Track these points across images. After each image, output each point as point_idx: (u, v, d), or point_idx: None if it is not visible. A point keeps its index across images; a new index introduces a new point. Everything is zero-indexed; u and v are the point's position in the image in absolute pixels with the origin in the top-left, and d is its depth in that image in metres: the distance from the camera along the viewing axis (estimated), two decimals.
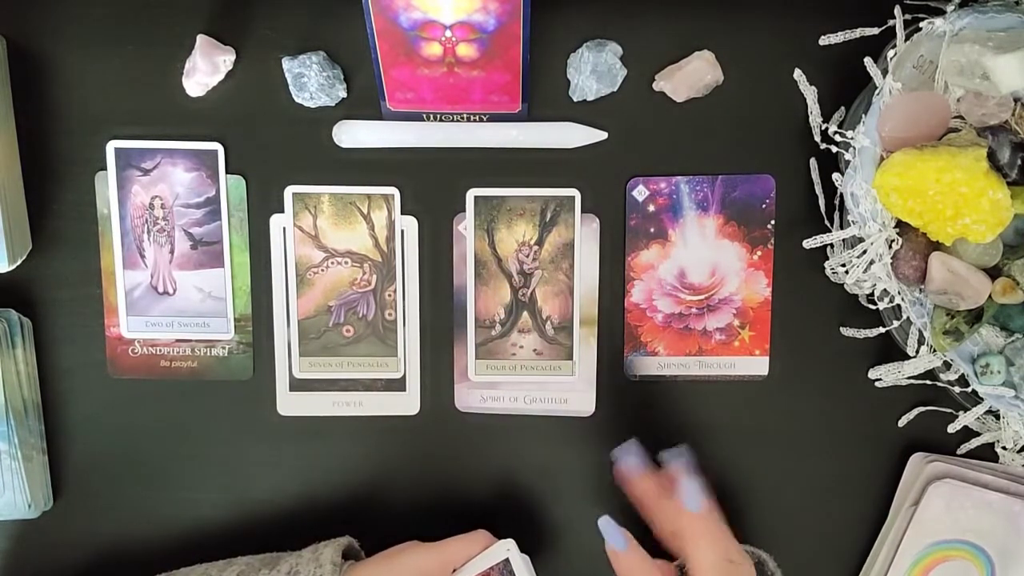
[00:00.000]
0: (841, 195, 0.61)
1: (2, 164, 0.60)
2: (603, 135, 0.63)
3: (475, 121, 0.63)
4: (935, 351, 0.60)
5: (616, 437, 0.66)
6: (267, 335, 0.65)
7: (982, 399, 0.61)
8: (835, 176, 0.60)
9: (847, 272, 0.60)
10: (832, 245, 0.62)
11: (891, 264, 0.59)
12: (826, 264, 0.62)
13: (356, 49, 0.62)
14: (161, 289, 0.64)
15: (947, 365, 0.60)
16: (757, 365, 0.65)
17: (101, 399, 0.65)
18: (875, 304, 0.60)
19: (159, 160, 0.63)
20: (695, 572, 0.54)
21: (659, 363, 0.66)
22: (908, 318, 0.60)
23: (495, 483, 0.61)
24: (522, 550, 0.57)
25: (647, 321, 0.65)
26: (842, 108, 0.62)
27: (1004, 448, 0.65)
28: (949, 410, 0.64)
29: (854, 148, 0.58)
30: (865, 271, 0.59)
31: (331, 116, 0.63)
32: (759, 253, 0.65)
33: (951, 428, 0.63)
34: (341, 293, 0.65)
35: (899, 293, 0.59)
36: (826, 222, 0.63)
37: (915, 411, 0.65)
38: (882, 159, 0.57)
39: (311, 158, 0.64)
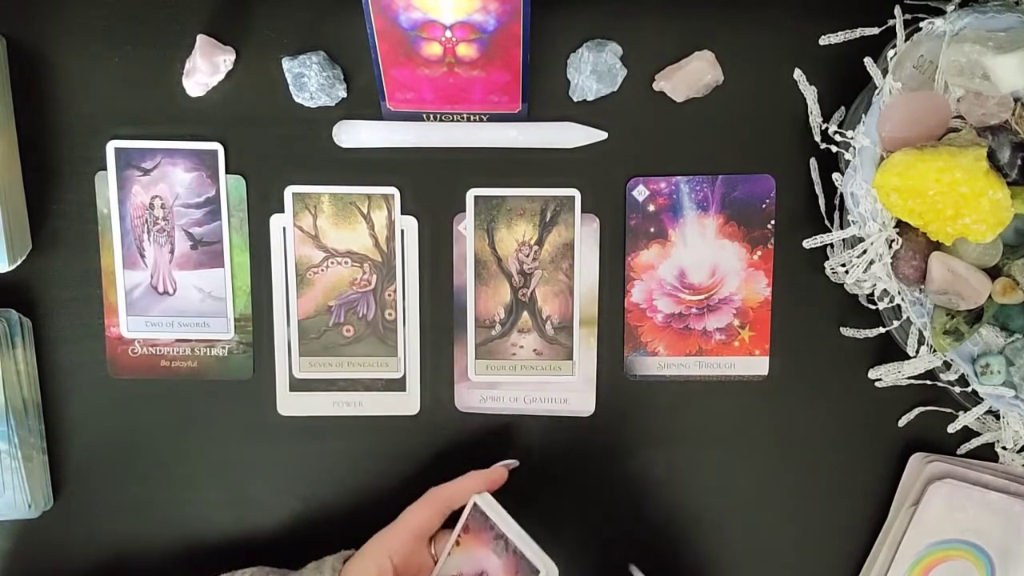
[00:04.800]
0: (841, 195, 0.61)
1: (2, 164, 0.60)
2: (603, 135, 0.63)
3: (475, 121, 0.63)
4: (935, 351, 0.60)
5: (616, 437, 0.66)
6: (267, 335, 0.65)
7: (982, 399, 0.61)
8: (835, 176, 0.60)
9: (847, 272, 0.60)
10: (832, 245, 0.62)
11: (891, 264, 0.59)
12: (826, 264, 0.62)
13: (356, 49, 0.62)
14: (161, 289, 0.64)
15: (947, 365, 0.60)
16: (757, 365, 0.65)
17: (101, 399, 0.65)
18: (875, 304, 0.60)
19: (159, 160, 0.63)
20: None
21: (659, 363, 0.66)
22: (908, 318, 0.60)
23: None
24: None
25: (647, 321, 0.65)
26: (842, 108, 0.62)
27: (1004, 448, 0.65)
28: (949, 410, 0.64)
29: (854, 148, 0.58)
30: (865, 271, 0.59)
31: (331, 116, 0.63)
32: (759, 253, 0.65)
33: (951, 428, 0.63)
34: (341, 293, 0.65)
35: (899, 293, 0.59)
36: (826, 222, 0.63)
37: (915, 411, 0.65)
38: (882, 159, 0.57)
39: (311, 158, 0.64)
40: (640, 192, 0.64)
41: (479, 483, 0.59)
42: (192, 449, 0.66)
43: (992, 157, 0.56)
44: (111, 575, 0.67)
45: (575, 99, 0.63)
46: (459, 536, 0.57)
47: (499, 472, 0.60)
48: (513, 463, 0.61)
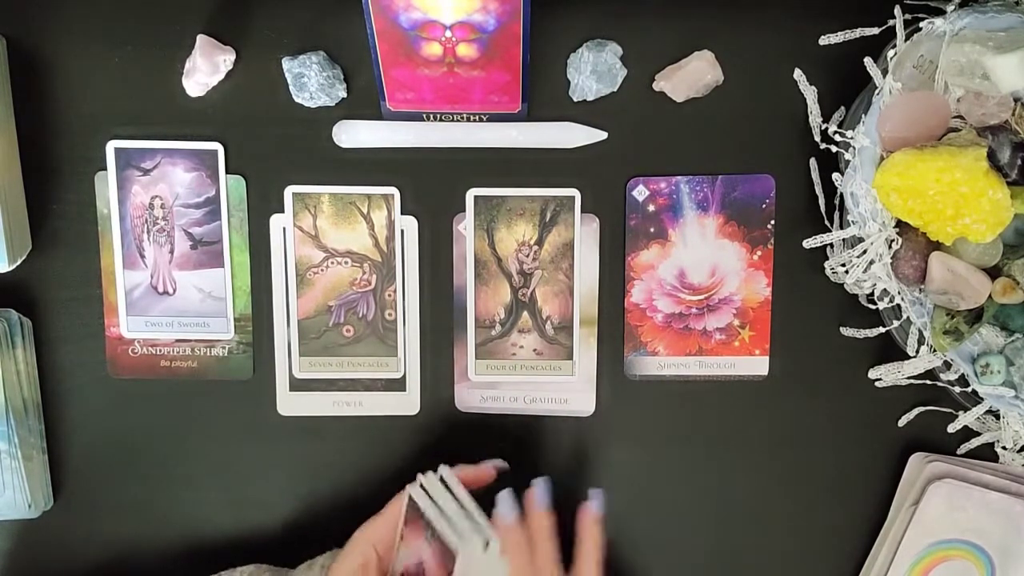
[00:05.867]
0: (841, 195, 0.61)
1: (2, 164, 0.60)
2: (603, 135, 0.63)
3: (475, 121, 0.63)
4: (935, 351, 0.60)
5: (616, 437, 0.66)
6: (267, 335, 0.65)
7: (982, 399, 0.61)
8: (835, 176, 0.60)
9: (847, 272, 0.60)
10: (832, 245, 0.62)
11: (891, 264, 0.59)
12: (826, 264, 0.62)
13: (356, 49, 0.62)
14: (161, 289, 0.64)
15: (947, 365, 0.60)
16: (757, 365, 0.65)
17: (101, 399, 0.65)
18: (875, 304, 0.60)
19: (159, 160, 0.63)
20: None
21: (659, 363, 0.66)
22: (908, 318, 0.60)
23: (495, 483, 0.61)
24: None
25: (647, 321, 0.65)
26: (842, 108, 0.62)
27: (1004, 448, 0.65)
28: (949, 410, 0.64)
29: (854, 148, 0.58)
30: (865, 271, 0.59)
31: (331, 116, 0.63)
32: (759, 253, 0.65)
33: (951, 428, 0.63)
34: (341, 293, 0.65)
35: (899, 293, 0.59)
36: (826, 222, 0.63)
37: (915, 411, 0.65)
38: (882, 159, 0.57)
39: (311, 158, 0.64)
40: (640, 192, 0.64)
41: (465, 473, 0.59)
42: (192, 449, 0.66)
43: (992, 157, 0.56)
44: (111, 575, 0.67)
45: (575, 99, 0.63)
46: (403, 531, 0.57)
47: (487, 471, 0.60)
48: (504, 466, 0.61)
